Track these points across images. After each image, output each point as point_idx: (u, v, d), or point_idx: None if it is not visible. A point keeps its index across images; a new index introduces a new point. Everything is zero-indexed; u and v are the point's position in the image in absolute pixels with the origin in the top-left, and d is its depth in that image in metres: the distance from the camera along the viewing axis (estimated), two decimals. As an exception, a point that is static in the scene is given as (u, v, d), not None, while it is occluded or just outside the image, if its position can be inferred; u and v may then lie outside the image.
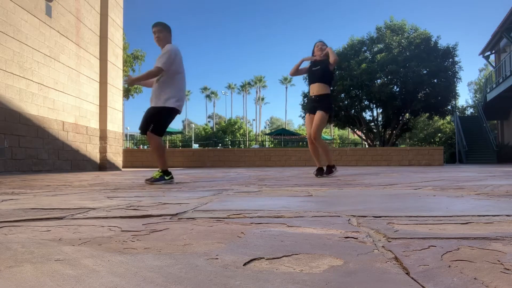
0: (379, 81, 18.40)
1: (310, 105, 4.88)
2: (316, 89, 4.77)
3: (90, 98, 9.68)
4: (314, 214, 1.47)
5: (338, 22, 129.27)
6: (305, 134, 46.66)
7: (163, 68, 3.62)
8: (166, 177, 3.69)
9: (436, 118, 22.74)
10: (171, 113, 3.73)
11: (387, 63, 17.58)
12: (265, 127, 72.69)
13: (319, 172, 4.80)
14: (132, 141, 32.92)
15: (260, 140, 46.38)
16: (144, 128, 3.70)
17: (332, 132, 53.54)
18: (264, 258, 0.84)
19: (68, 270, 0.76)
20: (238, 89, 72.84)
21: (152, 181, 3.64)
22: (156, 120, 3.68)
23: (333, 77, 5.04)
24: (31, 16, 7.39)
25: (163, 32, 3.75)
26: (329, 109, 4.82)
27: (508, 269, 0.73)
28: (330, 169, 4.86)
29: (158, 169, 3.77)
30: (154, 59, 3.75)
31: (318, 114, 4.69)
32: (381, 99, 17.93)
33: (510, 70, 15.98)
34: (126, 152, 13.50)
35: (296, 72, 4.89)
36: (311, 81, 4.87)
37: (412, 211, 1.52)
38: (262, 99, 73.09)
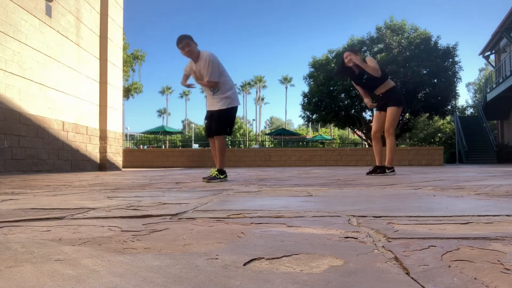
0: (379, 81, 18.42)
1: (380, 103, 4.72)
2: (379, 90, 4.64)
3: (90, 98, 9.68)
4: (314, 214, 1.47)
5: (338, 22, 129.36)
6: (305, 134, 46.62)
7: (217, 80, 3.85)
8: (221, 176, 3.96)
9: (436, 118, 22.74)
10: (235, 110, 4.05)
11: (387, 63, 17.57)
12: (265, 127, 72.77)
13: (374, 170, 4.70)
14: (132, 141, 32.92)
15: (260, 140, 46.41)
16: (222, 131, 3.94)
17: (332, 132, 53.49)
18: (264, 258, 0.84)
19: (68, 270, 0.76)
20: (238, 89, 72.71)
21: (209, 179, 3.83)
22: (230, 122, 4.00)
23: (385, 72, 4.86)
24: (31, 16, 7.39)
25: (191, 44, 3.76)
26: (400, 102, 4.66)
27: (508, 269, 0.73)
28: (384, 170, 4.72)
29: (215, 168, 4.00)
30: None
31: (390, 109, 4.60)
32: (382, 99, 17.94)
33: (510, 70, 15.98)
34: (126, 152, 13.50)
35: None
36: (370, 90, 4.70)
37: (412, 211, 1.51)
38: (262, 99, 73.17)
